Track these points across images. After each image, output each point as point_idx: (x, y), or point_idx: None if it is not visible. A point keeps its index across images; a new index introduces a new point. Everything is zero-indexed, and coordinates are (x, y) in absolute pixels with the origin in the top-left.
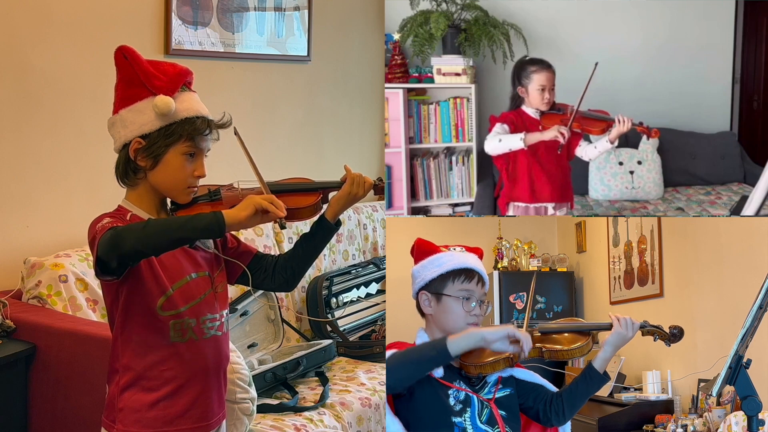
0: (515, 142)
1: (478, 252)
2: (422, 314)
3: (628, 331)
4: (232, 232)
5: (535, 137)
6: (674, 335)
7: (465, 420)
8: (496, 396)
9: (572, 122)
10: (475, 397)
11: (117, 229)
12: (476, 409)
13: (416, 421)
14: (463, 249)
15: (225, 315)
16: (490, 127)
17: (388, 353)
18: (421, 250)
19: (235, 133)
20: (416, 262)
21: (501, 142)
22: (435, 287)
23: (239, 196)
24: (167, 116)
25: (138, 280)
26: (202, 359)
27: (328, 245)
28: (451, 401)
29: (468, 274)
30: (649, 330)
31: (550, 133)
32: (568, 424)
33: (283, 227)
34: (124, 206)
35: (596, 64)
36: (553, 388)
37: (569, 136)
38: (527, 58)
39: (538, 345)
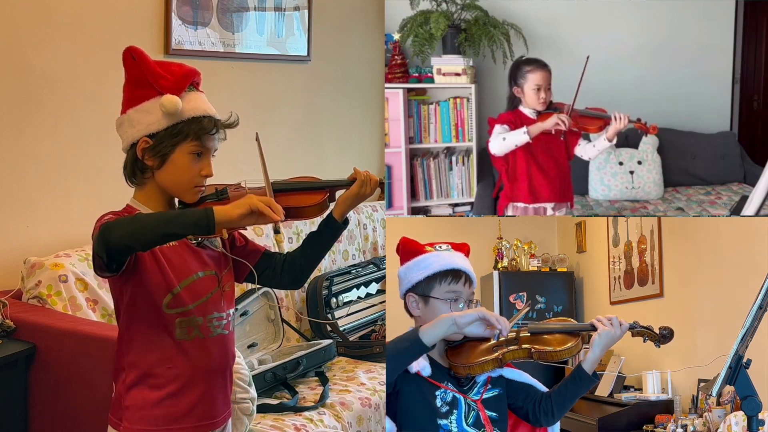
0: (520, 136)
1: (465, 248)
2: (411, 315)
3: (616, 330)
4: (241, 231)
5: (538, 127)
6: (664, 336)
7: (451, 422)
8: (484, 396)
9: (570, 112)
10: (462, 398)
11: (109, 223)
12: (463, 411)
13: (404, 420)
14: (450, 247)
15: (231, 314)
16: (489, 130)
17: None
18: (407, 250)
19: (256, 139)
20: (402, 262)
21: (505, 140)
22: (422, 289)
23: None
24: (174, 115)
25: (144, 277)
26: (208, 358)
27: None
28: (438, 402)
29: (455, 274)
30: (638, 331)
31: (551, 121)
32: (557, 424)
33: (277, 231)
34: (133, 205)
35: (587, 57)
36: (543, 388)
37: (570, 124)
38: (523, 58)
39: (527, 345)
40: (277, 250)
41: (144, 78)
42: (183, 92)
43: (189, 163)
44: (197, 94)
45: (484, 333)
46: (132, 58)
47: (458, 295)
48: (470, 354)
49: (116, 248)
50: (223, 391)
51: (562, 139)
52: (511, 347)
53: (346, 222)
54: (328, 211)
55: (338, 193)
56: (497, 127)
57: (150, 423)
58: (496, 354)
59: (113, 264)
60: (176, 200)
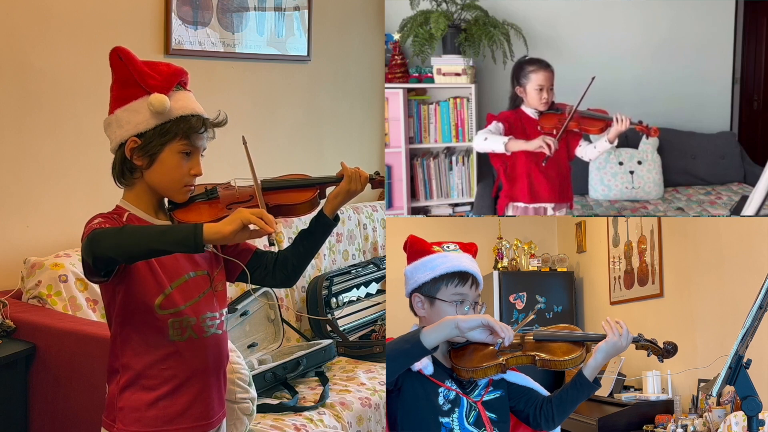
0: (498, 145)
1: (473, 248)
2: (416, 314)
3: (621, 340)
4: None
5: (519, 145)
6: (668, 351)
7: (452, 420)
8: (485, 398)
9: (563, 131)
10: (464, 398)
11: (96, 232)
12: (464, 409)
13: (405, 418)
14: (457, 247)
15: (225, 314)
16: (486, 125)
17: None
18: (414, 249)
19: (243, 142)
20: (409, 261)
21: (486, 140)
22: (427, 290)
23: (236, 194)
24: (162, 114)
25: (136, 279)
26: (202, 358)
27: (327, 244)
28: (440, 400)
29: (461, 277)
30: (642, 344)
31: (535, 143)
32: (558, 429)
33: (272, 244)
34: (122, 206)
35: (593, 78)
36: (545, 392)
37: (556, 148)
38: (526, 58)
39: (531, 353)
40: (276, 251)
41: (131, 77)
42: (171, 91)
43: (178, 162)
44: (185, 93)
45: (486, 339)
46: (119, 58)
47: (464, 298)
48: (473, 357)
49: (101, 258)
50: (217, 392)
51: (544, 164)
52: (516, 353)
53: (336, 219)
54: (318, 209)
55: (328, 190)
56: (492, 124)
57: (144, 424)
58: (500, 359)
59: (101, 271)
60: (166, 200)
